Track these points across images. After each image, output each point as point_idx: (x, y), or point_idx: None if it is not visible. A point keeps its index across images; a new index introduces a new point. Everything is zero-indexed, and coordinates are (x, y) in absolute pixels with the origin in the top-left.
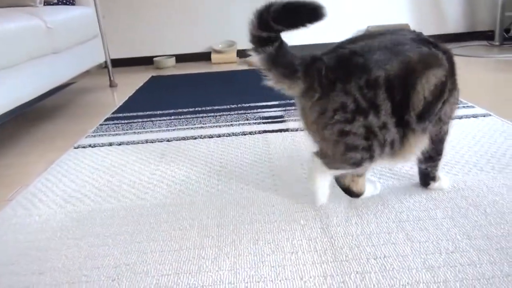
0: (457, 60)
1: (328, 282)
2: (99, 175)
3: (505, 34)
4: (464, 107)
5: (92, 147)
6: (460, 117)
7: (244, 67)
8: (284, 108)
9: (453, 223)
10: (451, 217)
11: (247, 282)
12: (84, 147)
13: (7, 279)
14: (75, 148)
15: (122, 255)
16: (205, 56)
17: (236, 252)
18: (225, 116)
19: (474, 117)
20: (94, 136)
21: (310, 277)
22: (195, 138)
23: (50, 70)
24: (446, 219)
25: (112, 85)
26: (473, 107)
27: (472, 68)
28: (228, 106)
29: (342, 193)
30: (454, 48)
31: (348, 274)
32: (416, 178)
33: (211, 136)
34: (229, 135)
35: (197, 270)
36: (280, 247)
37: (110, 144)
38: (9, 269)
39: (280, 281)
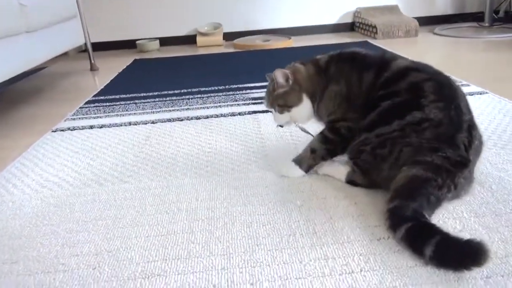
0: (447, 41)
1: (329, 265)
2: (78, 158)
3: (494, 15)
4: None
5: (71, 130)
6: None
7: (231, 49)
8: None
9: (459, 201)
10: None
11: (241, 267)
12: (62, 130)
13: None
14: (53, 131)
15: (104, 242)
16: (190, 39)
17: (229, 235)
18: (212, 97)
19: (470, 95)
20: (74, 119)
21: (310, 260)
22: (182, 120)
23: (24, 50)
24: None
25: (93, 68)
26: (468, 85)
27: (462, 49)
28: (216, 88)
29: None
30: (443, 29)
31: (351, 256)
32: None
33: (198, 118)
34: (217, 116)
35: (187, 256)
36: (276, 230)
37: (91, 127)
38: None
39: (277, 265)
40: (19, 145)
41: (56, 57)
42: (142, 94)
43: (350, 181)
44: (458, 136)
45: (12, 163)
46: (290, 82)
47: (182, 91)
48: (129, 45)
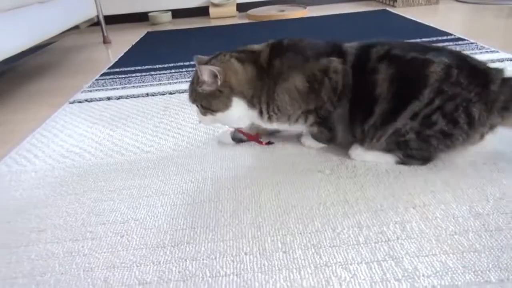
0: (470, 8)
1: (364, 233)
2: (98, 129)
3: None
4: (487, 51)
5: (88, 101)
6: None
7: (245, 20)
8: None
9: (496, 168)
10: (493, 162)
11: (272, 236)
12: (80, 102)
13: (3, 238)
14: (70, 103)
15: (130, 210)
16: (203, 11)
17: (257, 205)
18: None
19: (500, 61)
20: (91, 91)
21: (344, 228)
22: None
23: (37, 22)
24: (487, 165)
25: (106, 41)
26: (497, 51)
27: (486, 16)
28: None
29: None
30: None
31: (386, 224)
32: None
33: None
34: None
35: (215, 224)
36: (305, 198)
37: (108, 98)
38: (5, 228)
39: (310, 233)
40: (37, 117)
41: (68, 31)
42: (157, 66)
43: (405, 164)
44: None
45: (32, 134)
46: (219, 82)
47: None
48: (141, 17)
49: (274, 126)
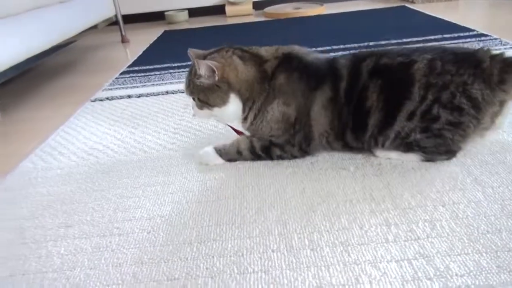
0: (492, 4)
1: (393, 231)
2: (120, 127)
3: None
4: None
5: (109, 99)
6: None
7: (261, 18)
8: None
9: None
10: None
11: (299, 233)
12: (101, 100)
13: (32, 233)
14: (92, 101)
15: (155, 207)
16: (219, 9)
17: (282, 202)
18: None
19: None
20: (111, 89)
21: (371, 226)
22: None
23: (58, 22)
24: None
25: (124, 40)
26: None
27: (506, 11)
28: None
29: None
30: None
31: (415, 223)
32: None
33: None
34: None
35: (241, 221)
36: (331, 196)
37: (129, 96)
38: (34, 223)
39: (337, 231)
40: (59, 114)
41: (87, 30)
42: (176, 64)
43: (429, 160)
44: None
45: (56, 132)
46: (216, 77)
47: None
48: (158, 17)
49: (247, 130)
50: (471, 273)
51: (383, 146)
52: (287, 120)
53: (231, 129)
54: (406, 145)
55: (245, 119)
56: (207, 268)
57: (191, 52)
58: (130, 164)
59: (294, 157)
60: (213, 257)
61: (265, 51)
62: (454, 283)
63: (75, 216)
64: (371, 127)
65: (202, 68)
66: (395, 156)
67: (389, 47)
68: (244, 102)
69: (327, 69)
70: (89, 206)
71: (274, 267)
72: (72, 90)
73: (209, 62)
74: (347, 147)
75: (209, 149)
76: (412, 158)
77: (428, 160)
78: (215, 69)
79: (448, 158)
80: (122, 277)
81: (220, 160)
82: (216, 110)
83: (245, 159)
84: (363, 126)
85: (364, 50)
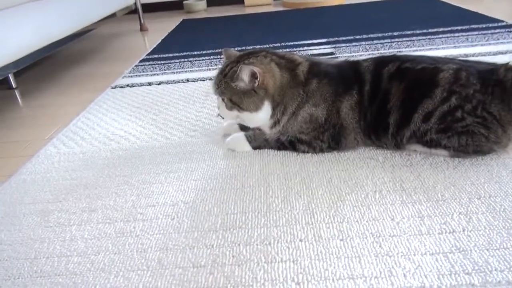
0: None
1: (426, 223)
2: (141, 113)
3: None
4: None
5: (130, 87)
6: (493, 63)
7: (280, 8)
8: (333, 45)
9: None
10: None
11: (327, 223)
12: (122, 87)
13: (56, 217)
14: (112, 88)
15: (179, 193)
16: None
17: (308, 191)
18: None
19: None
20: (131, 76)
21: (403, 218)
22: None
23: (76, 9)
24: None
25: (142, 29)
26: None
27: None
28: (271, 45)
29: None
30: None
31: (449, 215)
32: None
33: None
34: None
35: (267, 209)
36: (359, 186)
37: (149, 84)
38: (58, 207)
39: (367, 221)
40: (80, 100)
41: (106, 18)
42: (195, 53)
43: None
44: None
45: (77, 117)
46: (256, 83)
47: (237, 48)
48: (176, 6)
49: (275, 133)
50: None
51: (401, 143)
52: (316, 121)
53: None
54: (426, 144)
55: (275, 123)
56: (233, 256)
57: (225, 51)
58: (152, 150)
59: (321, 151)
60: (239, 245)
61: (298, 56)
62: (494, 278)
63: (98, 201)
64: (391, 126)
65: (245, 73)
66: (423, 149)
67: (412, 55)
68: (274, 107)
69: (352, 74)
70: (112, 191)
71: (303, 257)
72: (92, 77)
73: (253, 68)
74: (375, 145)
75: (239, 135)
76: (442, 153)
77: (457, 156)
78: (258, 75)
79: (478, 155)
80: (147, 263)
81: (248, 147)
82: (245, 114)
83: (271, 148)
84: (384, 125)
85: (386, 54)
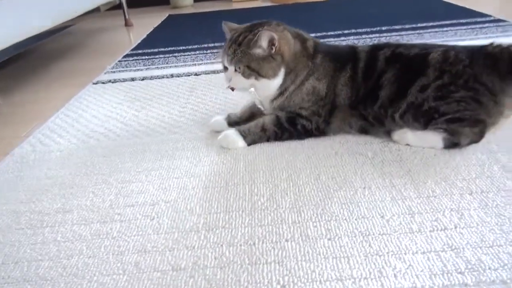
0: None
1: (417, 221)
2: (123, 109)
3: None
4: None
5: (112, 82)
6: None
7: (268, 3)
8: (322, 40)
9: None
10: None
11: (315, 221)
12: (103, 82)
13: (28, 218)
14: (94, 84)
15: (160, 192)
16: None
17: (295, 188)
18: None
19: None
20: (114, 72)
21: (393, 215)
22: None
23: (56, 3)
24: None
25: (127, 24)
26: None
27: None
28: None
29: None
30: None
31: (440, 212)
32: None
33: None
34: None
35: (251, 208)
36: (348, 182)
37: (132, 79)
38: (30, 207)
39: (356, 219)
40: (60, 97)
41: (89, 13)
42: (181, 48)
43: (452, 145)
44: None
45: (56, 114)
46: (273, 50)
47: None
48: (163, 0)
49: (277, 106)
50: (506, 267)
51: (392, 118)
52: (318, 94)
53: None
54: (422, 116)
55: (281, 93)
56: (215, 258)
57: (227, 26)
58: (133, 147)
59: (317, 128)
60: (222, 245)
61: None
62: (488, 277)
63: (74, 200)
64: (382, 98)
65: (264, 39)
66: (412, 139)
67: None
68: (287, 75)
69: (348, 53)
70: (89, 191)
71: (289, 258)
72: (74, 73)
73: (272, 33)
74: (361, 121)
75: (231, 132)
76: (432, 141)
77: (451, 143)
78: (275, 40)
79: (474, 139)
80: (124, 267)
81: (242, 143)
82: (262, 81)
83: (268, 137)
84: (374, 97)
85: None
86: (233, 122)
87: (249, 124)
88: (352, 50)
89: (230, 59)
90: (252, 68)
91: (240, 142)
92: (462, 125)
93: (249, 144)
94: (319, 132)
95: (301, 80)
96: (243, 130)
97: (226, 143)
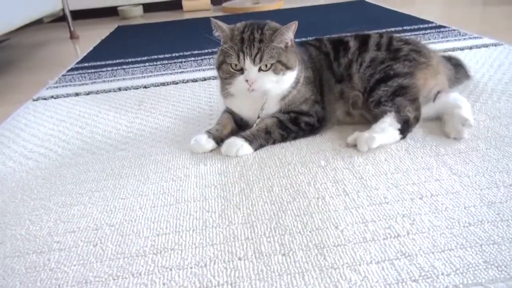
0: None
1: (370, 229)
2: (66, 127)
3: None
4: (470, 38)
5: (55, 98)
6: (470, 48)
7: (219, 13)
8: None
9: (501, 153)
10: (496, 146)
11: (268, 236)
12: (45, 98)
13: None
14: (34, 100)
15: (104, 215)
16: (175, 5)
17: (248, 202)
18: (207, 59)
19: (484, 47)
20: (57, 87)
21: (347, 225)
22: (177, 83)
23: None
24: (491, 150)
25: (73, 36)
26: (480, 37)
27: (460, 4)
28: (210, 50)
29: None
30: None
31: (393, 218)
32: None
33: (195, 80)
34: (215, 78)
35: (203, 226)
36: (301, 193)
37: (77, 94)
38: None
39: (310, 231)
40: None
41: (29, 25)
42: (129, 60)
43: (405, 123)
44: None
45: None
46: (289, 42)
47: (174, 54)
48: (111, 12)
49: (284, 105)
50: (458, 271)
51: (358, 71)
52: (312, 82)
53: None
54: (379, 72)
55: (295, 85)
56: (163, 284)
57: (217, 24)
58: (75, 167)
59: (318, 117)
60: (171, 269)
61: None
62: (441, 283)
63: (7, 230)
64: (350, 54)
65: (291, 29)
66: (378, 140)
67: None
68: (299, 64)
69: (312, 44)
70: (25, 218)
71: (242, 278)
72: (12, 89)
73: (295, 23)
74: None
75: (235, 139)
76: (393, 135)
77: (402, 122)
78: (292, 31)
79: (417, 116)
80: None
81: (248, 149)
82: (288, 74)
83: (274, 140)
84: (343, 55)
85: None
86: (217, 138)
87: (250, 130)
88: (315, 42)
89: (258, 58)
90: (283, 62)
91: (247, 149)
92: (406, 98)
93: (255, 149)
94: (320, 123)
95: (306, 67)
96: (248, 136)
97: (233, 151)
